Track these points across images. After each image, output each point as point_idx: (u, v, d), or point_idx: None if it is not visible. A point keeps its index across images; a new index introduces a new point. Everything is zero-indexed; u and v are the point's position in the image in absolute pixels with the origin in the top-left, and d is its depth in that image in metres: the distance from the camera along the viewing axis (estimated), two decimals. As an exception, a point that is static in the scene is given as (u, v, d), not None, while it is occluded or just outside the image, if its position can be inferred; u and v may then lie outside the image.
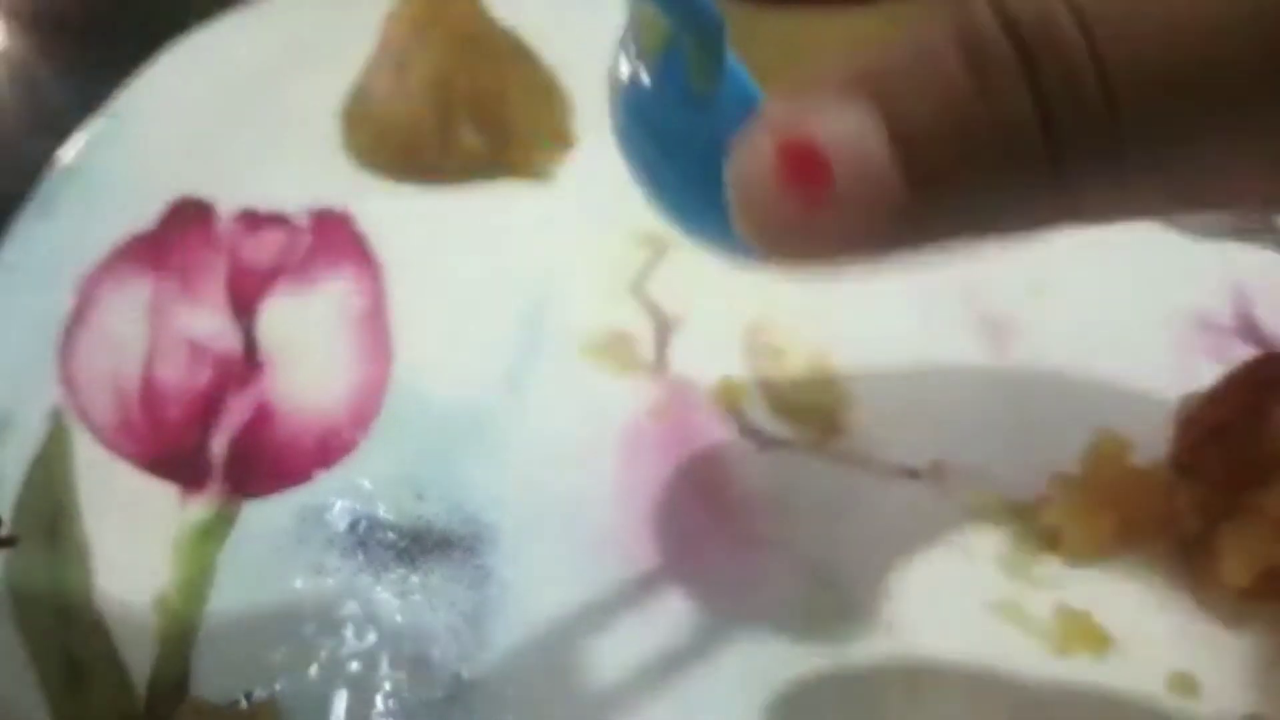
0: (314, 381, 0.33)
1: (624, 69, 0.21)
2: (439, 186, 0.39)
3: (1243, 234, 0.39)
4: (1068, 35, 0.15)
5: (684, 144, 0.20)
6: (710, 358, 0.34)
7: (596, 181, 0.40)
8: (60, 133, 0.38)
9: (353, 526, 0.30)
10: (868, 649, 0.28)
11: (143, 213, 0.37)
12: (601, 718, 0.27)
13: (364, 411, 0.33)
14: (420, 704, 0.27)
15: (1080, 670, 0.28)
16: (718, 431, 0.33)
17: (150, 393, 0.33)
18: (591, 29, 0.43)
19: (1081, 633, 0.29)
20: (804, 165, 0.16)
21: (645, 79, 0.21)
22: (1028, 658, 0.28)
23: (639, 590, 0.29)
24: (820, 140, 0.16)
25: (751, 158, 0.16)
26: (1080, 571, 0.30)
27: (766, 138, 0.16)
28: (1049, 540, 0.30)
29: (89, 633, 0.28)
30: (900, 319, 0.36)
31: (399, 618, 0.28)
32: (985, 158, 0.16)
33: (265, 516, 0.30)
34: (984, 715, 0.27)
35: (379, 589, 0.29)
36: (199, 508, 0.30)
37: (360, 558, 0.30)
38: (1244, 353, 0.34)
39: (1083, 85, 0.15)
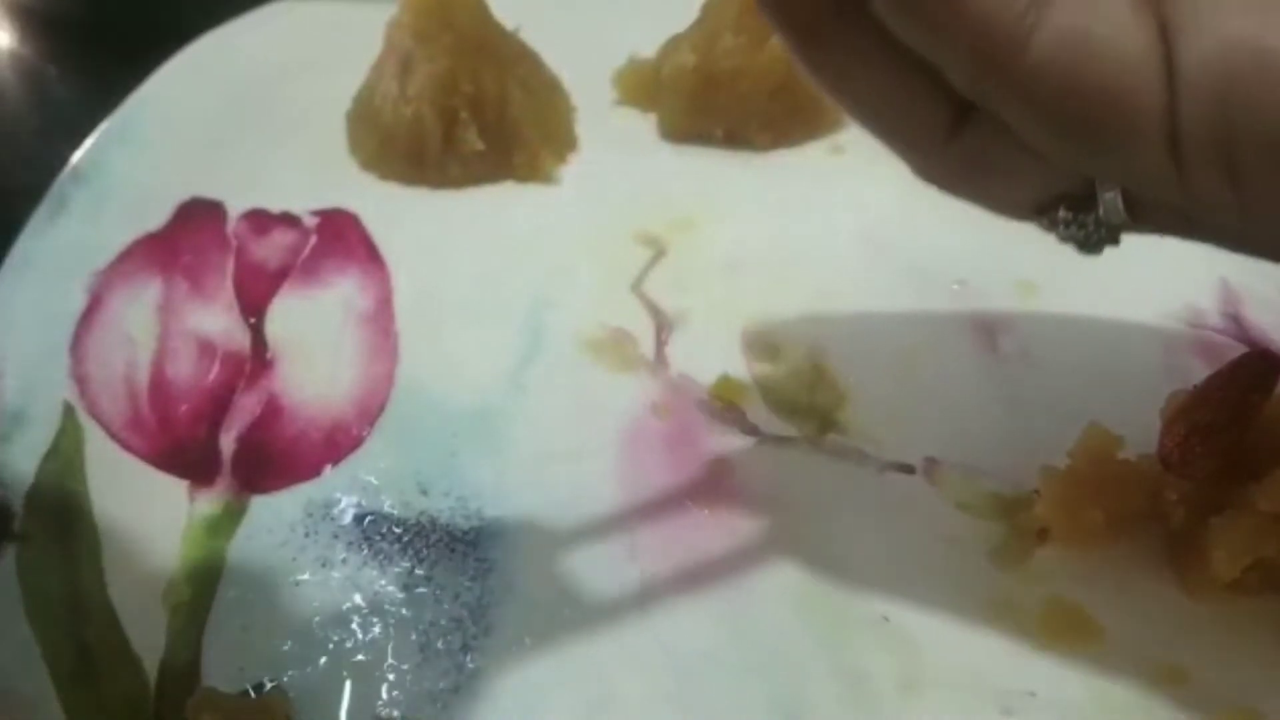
0: (321, 379, 0.34)
1: None
2: (443, 188, 0.39)
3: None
4: None
5: None
6: (709, 356, 0.35)
7: (598, 183, 0.40)
8: (72, 134, 0.38)
9: (359, 521, 0.31)
10: (863, 641, 0.29)
11: (153, 213, 0.37)
12: (601, 708, 0.27)
13: (370, 409, 0.33)
14: (425, 694, 0.27)
15: (1071, 662, 0.28)
16: (717, 428, 0.33)
17: (160, 389, 0.33)
18: (594, 33, 0.44)
19: (1072, 625, 0.29)
20: None
21: None
22: (1019, 649, 0.28)
23: (638, 583, 0.29)
24: None
25: None
26: (1070, 564, 0.30)
27: None
28: (1040, 534, 0.30)
29: (100, 624, 0.28)
30: (894, 318, 0.36)
31: (404, 610, 0.29)
32: None
33: (273, 511, 0.31)
34: (976, 706, 0.27)
35: (384, 582, 0.29)
36: (208, 502, 0.31)
37: (366, 551, 0.30)
38: (1232, 350, 0.34)
39: None
